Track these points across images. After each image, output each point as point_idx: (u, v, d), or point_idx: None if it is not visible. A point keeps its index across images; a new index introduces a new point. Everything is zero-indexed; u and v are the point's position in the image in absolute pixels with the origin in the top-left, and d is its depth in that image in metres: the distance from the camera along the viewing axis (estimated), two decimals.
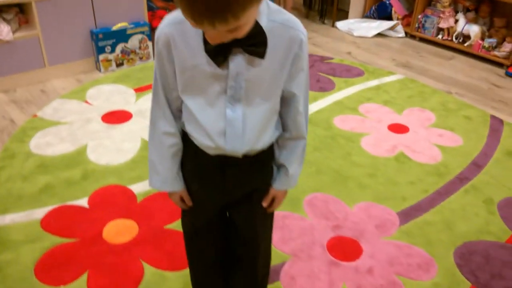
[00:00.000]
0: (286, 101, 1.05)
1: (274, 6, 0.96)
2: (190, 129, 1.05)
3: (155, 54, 1.01)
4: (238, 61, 0.93)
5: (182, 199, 1.18)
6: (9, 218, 1.90)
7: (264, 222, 1.25)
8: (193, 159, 1.11)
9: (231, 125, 1.00)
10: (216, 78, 0.96)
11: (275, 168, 1.17)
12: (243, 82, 0.96)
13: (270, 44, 0.92)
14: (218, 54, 0.91)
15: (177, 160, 1.12)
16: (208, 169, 1.10)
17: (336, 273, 1.70)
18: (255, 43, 0.90)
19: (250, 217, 1.19)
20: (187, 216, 1.26)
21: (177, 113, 1.08)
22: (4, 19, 2.88)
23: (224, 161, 1.06)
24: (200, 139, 1.04)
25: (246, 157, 1.06)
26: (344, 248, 1.81)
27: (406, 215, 2.00)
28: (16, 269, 1.68)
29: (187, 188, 1.16)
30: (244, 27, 0.83)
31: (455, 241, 1.88)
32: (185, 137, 1.10)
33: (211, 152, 1.05)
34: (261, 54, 0.92)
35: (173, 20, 0.95)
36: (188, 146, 1.10)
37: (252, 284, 1.37)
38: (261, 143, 1.06)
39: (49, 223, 1.88)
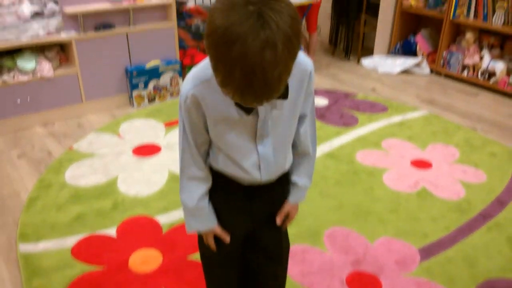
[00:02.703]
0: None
1: None
2: (223, 166, 1.14)
3: (183, 110, 1.06)
4: (264, 106, 1.02)
5: (215, 237, 1.23)
6: (42, 246, 2.01)
7: (286, 238, 1.34)
8: (222, 192, 1.19)
9: (264, 158, 1.11)
10: (246, 123, 1.05)
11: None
12: (270, 121, 1.06)
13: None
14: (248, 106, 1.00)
15: (207, 197, 1.19)
16: (237, 197, 1.18)
17: None
18: None
19: (276, 234, 1.29)
20: (210, 247, 1.30)
21: (205, 155, 1.16)
22: (46, 57, 3.09)
23: (254, 188, 1.16)
24: (234, 174, 1.13)
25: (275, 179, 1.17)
26: (364, 283, 1.83)
27: (427, 252, 2.00)
28: None
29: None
30: None
31: (476, 278, 1.87)
32: (212, 171, 1.17)
33: (245, 183, 1.15)
34: (285, 96, 1.00)
35: (199, 79, 1.00)
36: (216, 180, 1.18)
37: None
38: (288, 163, 1.19)
39: (79, 251, 1.98)
